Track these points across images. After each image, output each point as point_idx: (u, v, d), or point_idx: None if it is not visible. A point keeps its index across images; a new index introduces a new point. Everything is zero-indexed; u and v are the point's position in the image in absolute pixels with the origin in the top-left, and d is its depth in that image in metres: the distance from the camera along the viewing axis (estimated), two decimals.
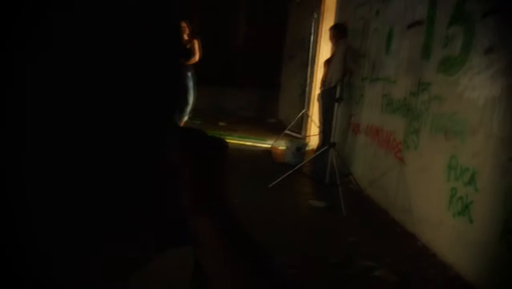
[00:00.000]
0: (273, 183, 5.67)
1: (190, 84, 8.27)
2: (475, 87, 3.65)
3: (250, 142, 8.63)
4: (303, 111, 8.40)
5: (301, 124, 8.83)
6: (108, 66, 0.34)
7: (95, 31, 0.33)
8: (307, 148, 7.31)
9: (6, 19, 0.30)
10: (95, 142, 0.34)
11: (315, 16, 8.09)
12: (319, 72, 7.63)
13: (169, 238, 0.54)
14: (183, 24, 8.04)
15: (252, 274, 0.52)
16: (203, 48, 8.29)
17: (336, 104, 5.56)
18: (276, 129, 9.25)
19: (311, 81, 8.41)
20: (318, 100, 6.57)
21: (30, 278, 0.33)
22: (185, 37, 8.13)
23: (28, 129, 0.31)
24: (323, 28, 7.95)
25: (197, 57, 8.18)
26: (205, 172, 0.54)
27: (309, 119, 8.49)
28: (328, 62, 6.34)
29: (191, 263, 0.56)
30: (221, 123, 10.06)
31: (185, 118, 8.43)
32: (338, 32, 6.00)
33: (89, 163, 0.34)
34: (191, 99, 8.32)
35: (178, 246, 0.53)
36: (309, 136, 8.38)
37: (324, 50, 7.92)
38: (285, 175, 5.74)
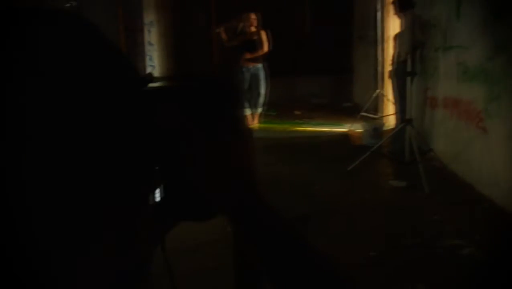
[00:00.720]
0: (352, 166, 5.56)
1: (262, 75, 8.28)
2: None
3: (327, 128, 8.56)
4: (378, 91, 8.20)
5: (377, 105, 8.62)
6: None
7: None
8: (384, 128, 7.13)
9: None
10: (92, 144, 0.35)
11: None
12: (390, 49, 7.41)
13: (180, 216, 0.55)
14: (252, 16, 8.06)
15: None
16: (271, 39, 8.25)
17: (408, 79, 5.36)
18: (352, 113, 9.10)
19: (383, 60, 8.19)
20: (390, 77, 6.37)
21: (30, 278, 0.33)
22: (253, 29, 8.14)
23: (28, 131, 0.32)
24: (390, 4, 7.70)
25: (265, 48, 8.16)
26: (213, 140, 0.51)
27: (385, 99, 8.27)
28: (397, 37, 6.13)
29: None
30: (296, 112, 10.01)
31: (259, 110, 8.44)
32: (401, 4, 5.76)
33: (87, 163, 0.34)
34: (263, 90, 8.31)
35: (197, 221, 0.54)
36: (386, 116, 8.17)
37: (394, 25, 7.68)
38: (363, 157, 5.61)
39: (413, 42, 5.51)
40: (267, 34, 8.20)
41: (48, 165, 0.32)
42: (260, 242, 0.51)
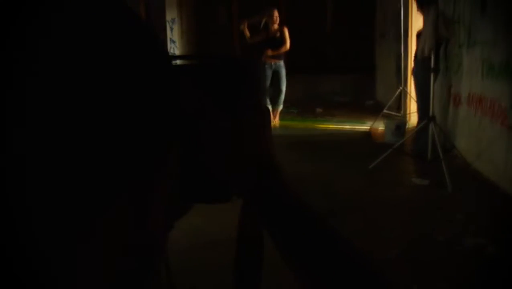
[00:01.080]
0: (374, 164, 5.51)
1: (283, 72, 8.27)
2: None
3: (348, 126, 8.50)
4: (400, 88, 8.12)
5: (400, 102, 8.54)
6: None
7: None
8: (407, 126, 7.05)
9: None
10: (94, 140, 0.34)
11: None
12: (413, 46, 7.32)
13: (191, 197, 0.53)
14: (275, 13, 8.04)
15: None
16: (293, 36, 8.24)
17: (432, 75, 5.29)
18: (374, 111, 9.02)
19: (406, 56, 8.10)
20: (412, 73, 6.30)
21: (30, 278, 0.32)
22: (276, 26, 8.13)
23: (28, 129, 0.31)
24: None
25: (288, 45, 8.14)
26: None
27: (408, 96, 8.18)
28: (420, 34, 6.05)
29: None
30: (318, 110, 9.96)
31: (280, 107, 8.43)
32: (424, 1, 5.68)
33: (91, 158, 0.33)
34: (284, 87, 8.30)
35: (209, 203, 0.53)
36: (409, 113, 8.09)
37: (417, 22, 7.59)
38: (385, 155, 5.56)
39: (437, 38, 5.44)
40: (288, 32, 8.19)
41: (51, 159, 0.32)
42: (277, 223, 0.50)
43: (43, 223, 0.32)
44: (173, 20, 9.78)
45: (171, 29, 9.77)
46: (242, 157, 0.50)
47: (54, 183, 0.32)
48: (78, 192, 0.33)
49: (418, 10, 5.97)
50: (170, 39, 9.82)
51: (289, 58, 8.36)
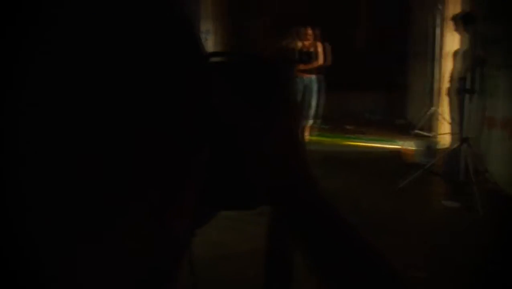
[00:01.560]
0: (403, 184, 5.44)
1: (315, 87, 8.24)
2: None
3: (379, 144, 8.44)
4: (432, 108, 8.02)
5: (431, 123, 8.43)
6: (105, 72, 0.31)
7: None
8: (438, 147, 6.95)
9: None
10: (96, 139, 0.31)
11: (439, 7, 7.70)
12: (448, 66, 7.23)
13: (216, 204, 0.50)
14: (308, 32, 8.07)
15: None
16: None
17: (467, 97, 5.21)
18: (405, 130, 8.94)
19: (440, 76, 8.00)
20: (447, 94, 6.22)
21: (29, 279, 0.31)
22: (308, 43, 8.15)
23: (26, 128, 0.29)
24: (449, 19, 7.55)
25: (320, 60, 8.13)
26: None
27: (440, 117, 8.07)
28: (457, 54, 5.99)
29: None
30: (348, 127, 9.92)
31: (310, 122, 8.38)
32: (462, 20, 5.62)
33: (92, 158, 0.31)
34: (314, 102, 8.26)
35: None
36: (440, 134, 7.98)
37: (452, 42, 7.51)
38: (415, 175, 5.49)
39: (474, 59, 5.37)
40: (324, 47, 8.17)
41: (49, 161, 0.30)
42: (313, 235, 0.48)
43: (43, 223, 0.30)
44: (207, 31, 9.87)
45: (205, 40, 9.85)
46: (274, 160, 0.48)
47: (60, 181, 0.30)
48: (87, 191, 0.31)
49: (456, 29, 5.90)
50: None
51: (324, 74, 8.36)
